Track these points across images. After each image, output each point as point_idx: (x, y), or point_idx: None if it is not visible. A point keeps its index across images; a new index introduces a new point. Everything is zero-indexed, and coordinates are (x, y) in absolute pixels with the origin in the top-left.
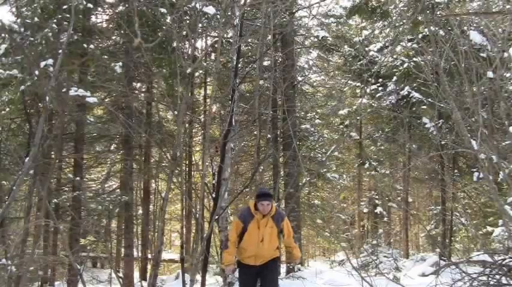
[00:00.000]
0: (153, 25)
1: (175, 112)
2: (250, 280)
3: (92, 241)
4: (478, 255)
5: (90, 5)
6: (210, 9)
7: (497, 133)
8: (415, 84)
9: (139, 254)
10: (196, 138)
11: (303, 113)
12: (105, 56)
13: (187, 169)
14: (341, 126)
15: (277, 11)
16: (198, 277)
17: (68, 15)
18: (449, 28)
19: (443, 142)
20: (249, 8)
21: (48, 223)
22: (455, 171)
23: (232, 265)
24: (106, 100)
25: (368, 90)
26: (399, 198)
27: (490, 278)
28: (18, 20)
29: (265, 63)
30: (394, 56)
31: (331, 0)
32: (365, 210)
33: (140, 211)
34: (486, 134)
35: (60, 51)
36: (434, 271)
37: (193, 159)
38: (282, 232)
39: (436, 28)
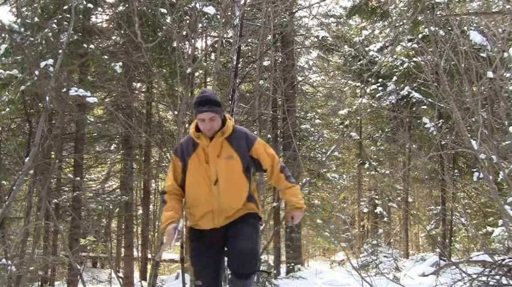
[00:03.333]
0: (153, 25)
1: (175, 112)
2: (208, 256)
3: (92, 241)
4: (478, 255)
5: (90, 5)
6: (210, 9)
7: (497, 133)
8: (415, 84)
9: (139, 254)
10: None
11: (303, 113)
12: (105, 56)
13: None
14: (341, 126)
15: (277, 11)
16: None
17: (68, 15)
18: (449, 28)
19: (443, 142)
20: (249, 8)
21: (48, 223)
22: (455, 171)
23: (172, 225)
24: (106, 100)
25: (368, 90)
26: (399, 198)
27: (490, 278)
28: (18, 20)
29: (265, 63)
30: (394, 56)
31: (331, 0)
32: (365, 210)
33: (140, 211)
34: (486, 134)
35: (60, 51)
36: (434, 271)
37: None
38: (258, 165)
39: (436, 28)
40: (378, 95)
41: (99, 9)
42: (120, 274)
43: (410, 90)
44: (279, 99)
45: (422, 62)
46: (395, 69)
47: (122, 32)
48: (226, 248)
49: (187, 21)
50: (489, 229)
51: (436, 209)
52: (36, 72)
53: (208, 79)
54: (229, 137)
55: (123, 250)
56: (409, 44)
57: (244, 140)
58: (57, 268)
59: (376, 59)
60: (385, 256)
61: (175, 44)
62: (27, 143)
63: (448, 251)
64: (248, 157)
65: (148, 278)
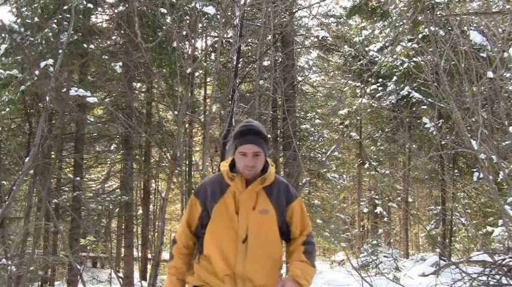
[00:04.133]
0: (153, 25)
1: (175, 112)
2: None
3: (92, 241)
4: (478, 255)
5: (90, 5)
6: (210, 9)
7: (497, 133)
8: (415, 84)
9: (139, 254)
10: (196, 138)
11: (303, 113)
12: (105, 56)
13: (187, 169)
14: (341, 126)
15: (277, 11)
16: None
17: (68, 15)
18: (449, 28)
19: (443, 142)
20: (249, 8)
21: (48, 223)
22: (455, 171)
23: None
24: (106, 100)
25: (368, 90)
26: (399, 198)
27: (490, 278)
28: (18, 20)
29: (265, 63)
30: (394, 56)
31: (331, 0)
32: (365, 210)
33: (140, 211)
34: (486, 134)
35: (60, 51)
36: (434, 271)
37: (193, 159)
38: (287, 226)
39: (436, 28)
40: (378, 95)
41: (99, 9)
42: (120, 274)
43: (410, 90)
44: (279, 99)
45: (422, 62)
46: (395, 69)
47: (122, 32)
48: None
49: (187, 21)
50: (489, 229)
51: (436, 209)
52: (36, 72)
53: (208, 79)
54: (269, 187)
55: (123, 250)
56: (409, 44)
57: (284, 194)
58: (57, 268)
59: (376, 59)
60: (385, 256)
61: (175, 44)
62: (27, 143)
63: (448, 251)
64: (284, 213)
65: (148, 278)
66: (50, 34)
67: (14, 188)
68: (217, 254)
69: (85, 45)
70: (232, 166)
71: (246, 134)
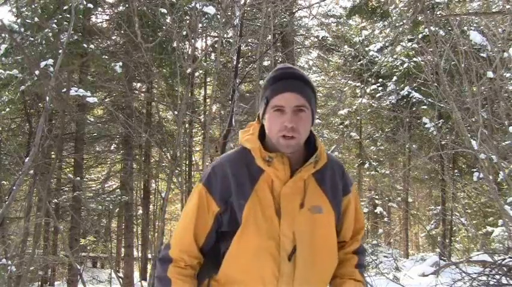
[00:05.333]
0: (153, 25)
1: (175, 112)
2: None
3: (92, 241)
4: (478, 255)
5: (90, 5)
6: (210, 9)
7: (497, 133)
8: (415, 84)
9: (139, 254)
10: (196, 138)
11: None
12: (105, 56)
13: (187, 169)
14: (341, 126)
15: (277, 11)
16: None
17: (68, 15)
18: (449, 28)
19: (443, 142)
20: (249, 8)
21: (48, 223)
22: (455, 171)
23: None
24: (106, 100)
25: (368, 90)
26: (399, 198)
27: (490, 278)
28: (18, 20)
29: (265, 63)
30: (394, 56)
31: (331, 0)
32: (365, 210)
33: (140, 211)
34: (486, 134)
35: (60, 51)
36: (434, 271)
37: (193, 159)
38: (340, 224)
39: (436, 28)
40: (378, 95)
41: (99, 9)
42: (120, 274)
43: (410, 90)
44: None
45: (422, 62)
46: (395, 69)
47: (122, 32)
48: None
49: (187, 21)
50: (489, 229)
51: (436, 209)
52: (36, 72)
53: (208, 79)
54: (320, 172)
55: (123, 250)
56: (409, 44)
57: (341, 180)
58: (57, 268)
59: (376, 59)
60: (385, 256)
61: (175, 44)
62: (27, 143)
63: (448, 251)
64: (339, 208)
65: (148, 278)
66: (50, 34)
67: (14, 188)
68: (249, 280)
69: (85, 45)
70: (262, 139)
71: (283, 78)
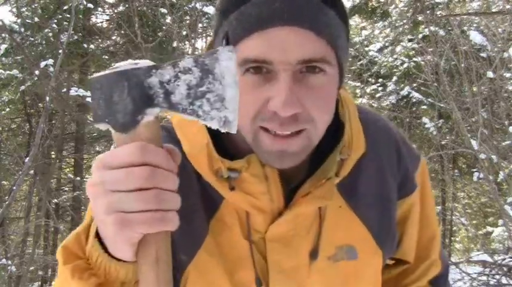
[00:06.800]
0: (153, 25)
1: None
2: None
3: None
4: (478, 255)
5: (90, 5)
6: (210, 9)
7: (497, 133)
8: (415, 84)
9: None
10: None
11: None
12: (105, 56)
13: None
14: None
15: None
16: None
17: (68, 15)
18: (449, 28)
19: (443, 142)
20: None
21: (48, 223)
22: (455, 171)
23: None
24: None
25: (368, 90)
26: None
27: (490, 278)
28: (18, 20)
29: None
30: (394, 56)
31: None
32: None
33: None
34: (486, 134)
35: (60, 51)
36: None
37: None
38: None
39: (436, 28)
40: (378, 95)
41: (99, 9)
42: None
43: (410, 90)
44: None
45: (422, 62)
46: (395, 69)
47: (122, 32)
48: None
49: (187, 21)
50: (489, 229)
51: (436, 209)
52: (36, 72)
53: None
54: (352, 174)
55: None
56: (409, 44)
57: (395, 172)
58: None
59: (376, 59)
60: None
61: (175, 44)
62: (27, 143)
63: (448, 251)
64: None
65: None
66: (50, 34)
67: (14, 188)
68: None
69: (85, 45)
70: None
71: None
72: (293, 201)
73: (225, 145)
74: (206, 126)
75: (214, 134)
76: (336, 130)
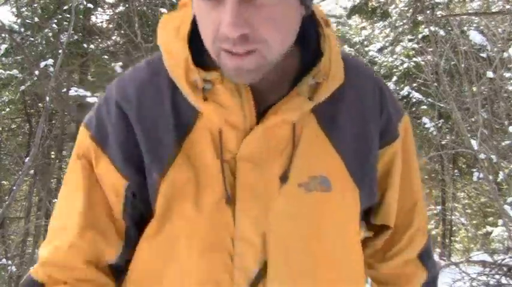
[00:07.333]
0: (153, 25)
1: None
2: None
3: None
4: (478, 255)
5: (90, 5)
6: None
7: (497, 133)
8: (415, 84)
9: None
10: None
11: None
12: (105, 56)
13: None
14: None
15: None
16: None
17: (68, 15)
18: (449, 28)
19: (443, 142)
20: None
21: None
22: (455, 171)
23: None
24: None
25: None
26: None
27: (490, 278)
28: (18, 20)
29: None
30: (394, 56)
31: (331, 0)
32: None
33: None
34: (486, 134)
35: (60, 51)
36: None
37: None
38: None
39: (436, 28)
40: None
41: (99, 9)
42: None
43: (410, 90)
44: None
45: (422, 62)
46: (395, 69)
47: (122, 32)
48: None
49: None
50: (489, 229)
51: (436, 209)
52: (36, 72)
53: None
54: (332, 101)
55: None
56: (409, 44)
57: (376, 112)
58: None
59: (376, 59)
60: None
61: None
62: (27, 143)
63: (448, 251)
64: (375, 177)
65: None
66: (50, 34)
67: (14, 188)
68: None
69: (85, 45)
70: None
71: None
72: (264, 118)
73: (207, 62)
74: (190, 44)
75: (198, 52)
76: (313, 56)
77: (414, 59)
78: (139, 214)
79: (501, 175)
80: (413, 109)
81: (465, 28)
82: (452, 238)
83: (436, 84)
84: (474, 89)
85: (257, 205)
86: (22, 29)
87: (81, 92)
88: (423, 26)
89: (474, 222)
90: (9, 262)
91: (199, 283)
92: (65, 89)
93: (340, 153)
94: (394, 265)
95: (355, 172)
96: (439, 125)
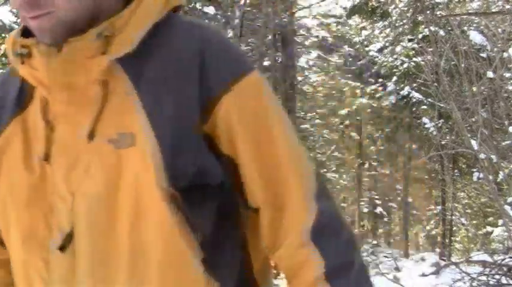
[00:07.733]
0: None
1: None
2: None
3: None
4: (478, 255)
5: None
6: (210, 9)
7: (497, 133)
8: (415, 84)
9: None
10: None
11: (303, 113)
12: None
13: None
14: (341, 126)
15: (277, 11)
16: None
17: None
18: (449, 28)
19: (443, 142)
20: (249, 8)
21: None
22: (455, 171)
23: None
24: None
25: (368, 90)
26: (399, 198)
27: (490, 278)
28: (18, 20)
29: (265, 63)
30: (394, 56)
31: (331, 0)
32: (365, 210)
33: None
34: (486, 134)
35: None
36: (434, 271)
37: None
38: (237, 192)
39: (436, 28)
40: (378, 95)
41: None
42: None
43: (410, 90)
44: (279, 99)
45: (422, 62)
46: (395, 69)
47: None
48: None
49: None
50: (489, 229)
51: (436, 209)
52: None
53: None
54: (139, 58)
55: None
56: (409, 44)
57: (194, 66)
58: None
59: (376, 59)
60: (385, 256)
61: None
62: None
63: (448, 251)
64: (193, 139)
65: None
66: None
67: None
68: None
69: None
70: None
71: None
72: (64, 62)
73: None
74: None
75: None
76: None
77: (414, 59)
78: None
79: (501, 175)
80: (414, 109)
81: (465, 28)
82: (452, 238)
83: (436, 84)
84: (474, 89)
85: (66, 162)
86: None
87: None
88: (423, 26)
89: (474, 222)
90: None
91: (26, 237)
92: None
93: (143, 102)
94: (282, 255)
95: (155, 119)
96: (439, 125)
